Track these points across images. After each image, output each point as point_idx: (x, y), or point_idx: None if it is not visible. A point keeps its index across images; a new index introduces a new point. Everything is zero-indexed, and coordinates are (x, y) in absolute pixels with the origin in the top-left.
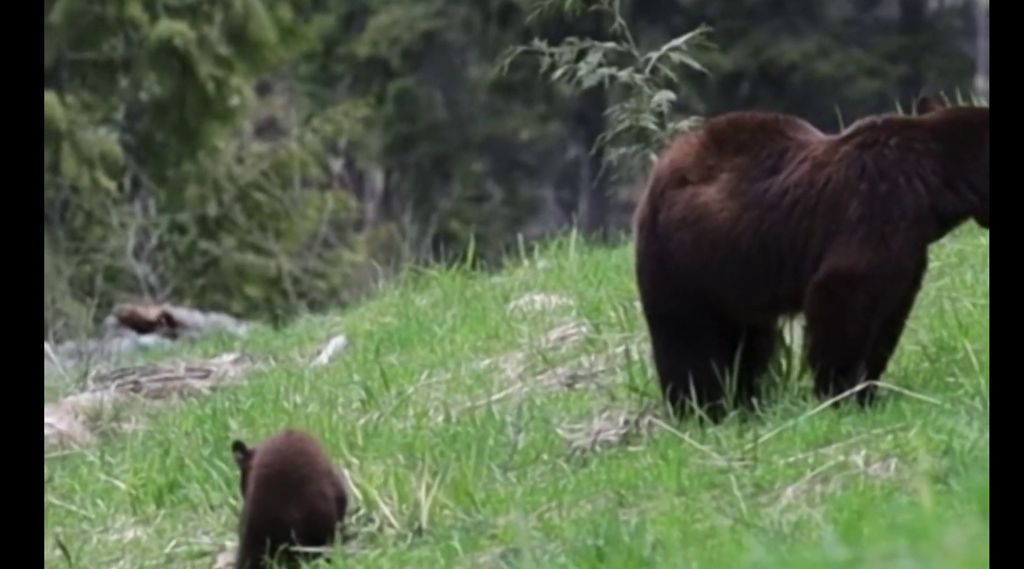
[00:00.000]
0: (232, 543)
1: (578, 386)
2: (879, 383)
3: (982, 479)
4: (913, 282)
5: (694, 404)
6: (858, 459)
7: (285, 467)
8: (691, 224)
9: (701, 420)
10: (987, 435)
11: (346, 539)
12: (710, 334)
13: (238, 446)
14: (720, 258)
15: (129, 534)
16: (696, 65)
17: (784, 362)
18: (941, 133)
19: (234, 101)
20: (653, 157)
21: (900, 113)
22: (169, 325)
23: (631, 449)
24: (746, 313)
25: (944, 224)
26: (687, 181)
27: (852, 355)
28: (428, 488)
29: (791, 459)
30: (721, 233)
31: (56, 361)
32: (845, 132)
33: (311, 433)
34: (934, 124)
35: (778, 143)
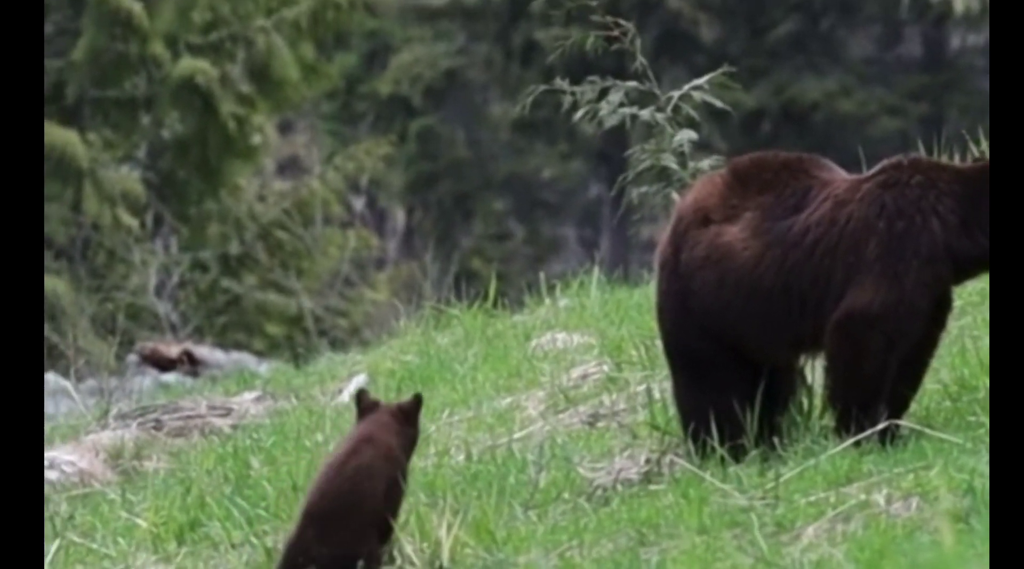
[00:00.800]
0: None
1: (599, 425)
2: (900, 422)
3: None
4: (933, 321)
5: (715, 443)
6: (880, 498)
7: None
8: (714, 263)
9: (722, 459)
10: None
11: None
12: (732, 373)
13: (362, 395)
14: (743, 296)
15: None
16: (718, 104)
17: (805, 401)
18: (965, 176)
19: (256, 139)
20: (675, 196)
21: (922, 152)
22: (191, 363)
23: (652, 488)
24: (768, 352)
25: (960, 267)
26: (710, 220)
27: (871, 394)
28: (449, 527)
29: (812, 498)
30: (744, 271)
31: (78, 399)
32: (869, 171)
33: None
34: (961, 168)
35: (802, 182)
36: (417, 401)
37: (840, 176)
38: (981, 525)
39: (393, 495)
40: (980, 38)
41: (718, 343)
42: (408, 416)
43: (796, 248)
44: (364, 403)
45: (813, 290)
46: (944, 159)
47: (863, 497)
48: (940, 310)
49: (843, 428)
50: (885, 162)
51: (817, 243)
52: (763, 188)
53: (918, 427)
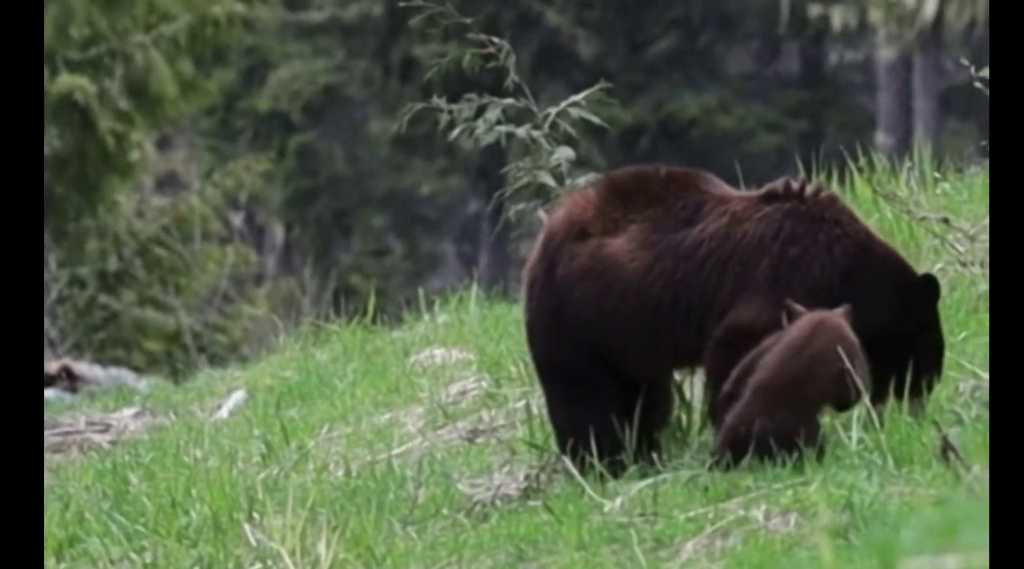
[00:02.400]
0: None
1: (478, 440)
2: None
3: (882, 533)
4: None
5: (594, 459)
6: (758, 514)
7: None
8: (597, 275)
9: (601, 475)
10: (887, 490)
11: None
12: (609, 388)
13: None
14: (628, 308)
15: None
16: (596, 120)
17: (684, 416)
18: (868, 241)
19: (134, 155)
20: (542, 214)
21: (800, 168)
22: (69, 379)
23: (531, 503)
24: (649, 365)
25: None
26: (588, 234)
27: None
28: (328, 542)
29: (691, 513)
30: (631, 283)
31: None
32: (765, 189)
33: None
34: (866, 230)
35: (693, 196)
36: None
37: (731, 192)
38: (859, 540)
39: (842, 383)
40: (858, 54)
41: (594, 358)
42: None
43: (687, 260)
44: (793, 313)
45: (699, 303)
46: (846, 200)
47: (742, 513)
48: None
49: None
50: (783, 182)
51: (708, 256)
52: (650, 201)
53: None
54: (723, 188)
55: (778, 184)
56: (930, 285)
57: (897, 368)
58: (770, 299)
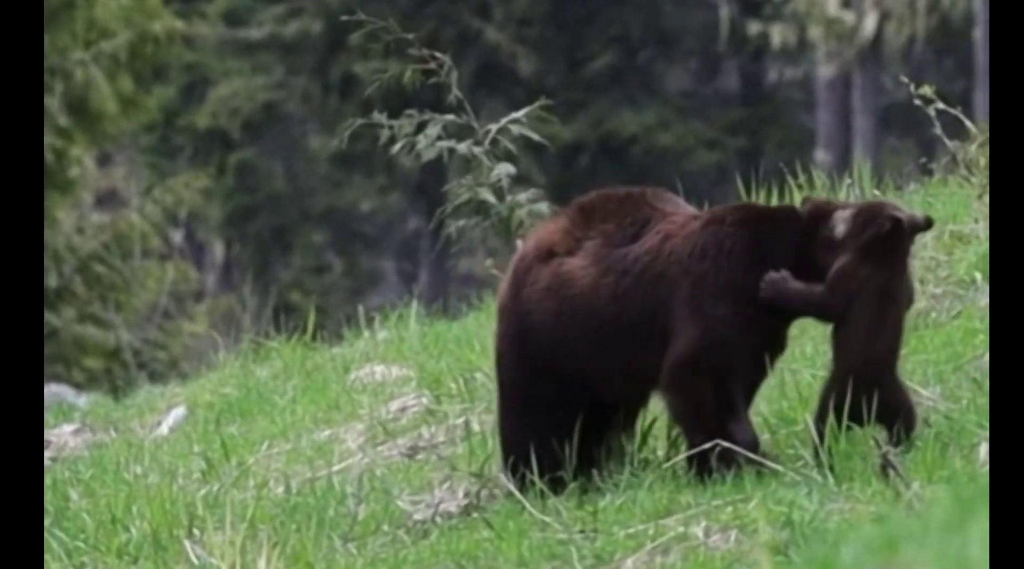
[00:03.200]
0: None
1: (419, 457)
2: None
3: (822, 550)
4: (758, 356)
5: (535, 477)
6: (698, 530)
7: None
8: (555, 292)
9: (542, 492)
10: (827, 507)
11: None
12: (560, 409)
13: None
14: (580, 324)
15: None
16: (535, 137)
17: (624, 433)
18: (782, 215)
19: (74, 172)
20: (519, 241)
21: (740, 186)
22: None
23: (471, 520)
24: (606, 383)
25: (758, 307)
26: (554, 254)
27: (719, 431)
28: (269, 559)
29: (631, 530)
30: (582, 299)
31: None
32: (709, 210)
33: None
34: (784, 209)
35: (643, 212)
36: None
37: (681, 210)
38: (799, 557)
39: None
40: (797, 71)
41: (558, 383)
42: None
43: (627, 276)
44: None
45: (640, 320)
46: (765, 197)
47: (682, 529)
48: (759, 347)
49: (701, 470)
50: (732, 205)
51: (643, 273)
52: (606, 218)
53: (755, 458)
54: (678, 206)
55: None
56: (812, 209)
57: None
58: (691, 322)
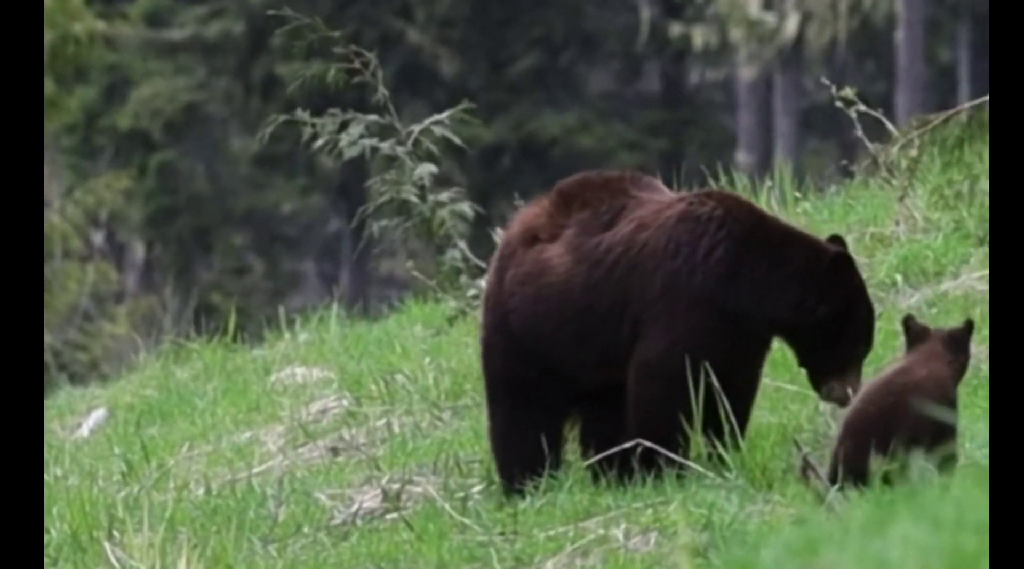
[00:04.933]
0: None
1: (339, 459)
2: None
3: (742, 553)
4: (731, 363)
5: (526, 480)
6: (618, 533)
7: None
8: (534, 278)
9: (464, 494)
10: (747, 509)
11: None
12: (555, 404)
13: (910, 321)
14: (556, 311)
15: None
16: (457, 139)
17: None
18: (757, 231)
19: None
20: (498, 231)
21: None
22: None
23: (391, 522)
24: (581, 371)
25: (725, 314)
26: (538, 239)
27: (664, 437)
28: (188, 561)
29: (551, 532)
30: (557, 287)
31: None
32: (687, 193)
33: None
34: (762, 219)
35: (619, 200)
36: (968, 327)
37: (658, 196)
38: (719, 560)
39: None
40: (719, 74)
41: (539, 370)
42: (959, 343)
43: (599, 266)
44: (913, 330)
45: (612, 310)
46: (755, 202)
47: (602, 532)
48: (742, 350)
49: (644, 467)
50: (705, 190)
51: (616, 264)
52: (583, 206)
53: (691, 465)
54: (654, 191)
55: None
56: (838, 264)
57: (825, 350)
58: (662, 318)
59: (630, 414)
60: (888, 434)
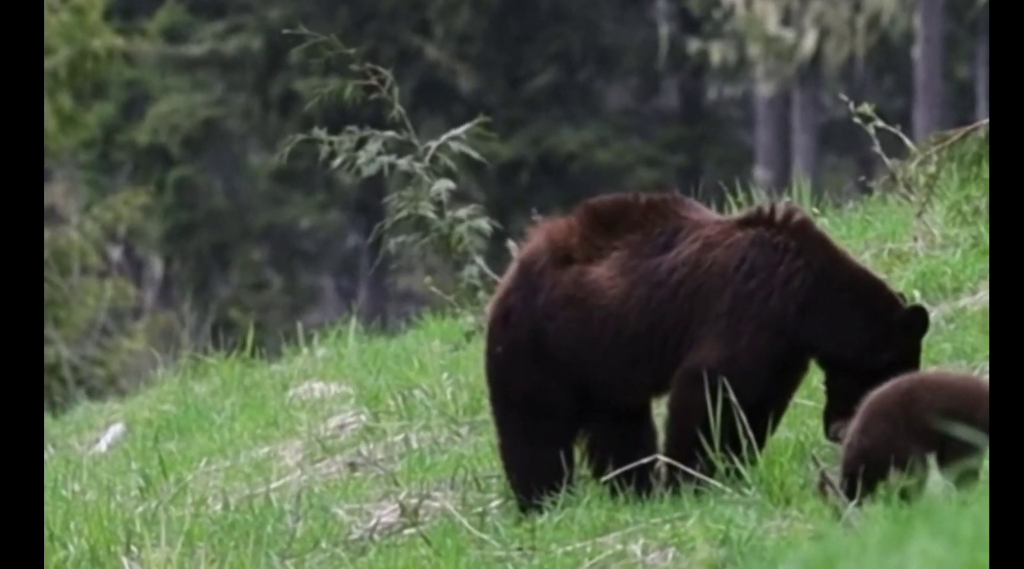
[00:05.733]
0: None
1: (357, 474)
2: (710, 480)
3: (759, 568)
4: (779, 384)
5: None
6: (636, 548)
7: None
8: (579, 301)
9: (481, 510)
10: (764, 525)
11: None
12: (574, 423)
13: None
14: (608, 336)
15: None
16: (475, 154)
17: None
18: (837, 265)
19: None
20: (512, 245)
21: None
22: None
23: (409, 537)
24: (627, 394)
25: (791, 341)
26: (572, 260)
27: (695, 450)
28: None
29: (569, 548)
30: (611, 310)
31: None
32: (742, 214)
33: None
34: (841, 254)
35: (671, 221)
36: None
37: (709, 216)
38: None
39: None
40: (736, 89)
41: (572, 389)
42: None
43: (661, 287)
44: None
45: (674, 332)
46: (831, 235)
47: (620, 547)
48: (788, 373)
49: (674, 476)
50: (760, 206)
51: (681, 284)
52: (631, 228)
53: (699, 475)
54: (703, 213)
55: (754, 208)
56: (916, 318)
57: (859, 387)
58: (725, 333)
59: (670, 419)
60: (909, 414)
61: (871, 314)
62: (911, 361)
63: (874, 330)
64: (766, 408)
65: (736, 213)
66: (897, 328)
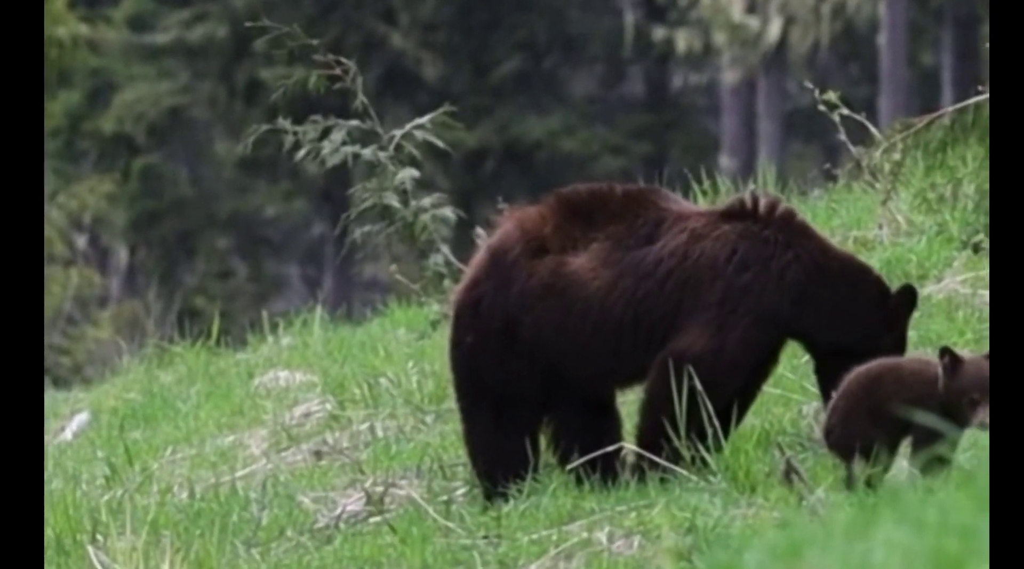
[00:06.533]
0: None
1: (322, 462)
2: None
3: (725, 556)
4: (755, 373)
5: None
6: (602, 536)
7: None
8: (560, 291)
9: (448, 499)
10: (730, 512)
11: None
12: (540, 412)
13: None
14: (590, 326)
15: None
16: (440, 143)
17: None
18: (824, 255)
19: None
20: (480, 232)
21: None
22: None
23: (375, 525)
24: (605, 384)
25: (783, 333)
26: (547, 250)
27: (665, 435)
28: (172, 564)
29: (535, 536)
30: (594, 300)
31: None
32: (725, 205)
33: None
34: (825, 243)
35: (652, 212)
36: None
37: (690, 208)
38: (703, 563)
39: None
40: (702, 77)
41: (542, 378)
42: None
43: (648, 278)
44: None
45: (661, 322)
46: (812, 224)
47: (585, 535)
48: (766, 365)
49: (640, 463)
50: (746, 198)
51: (669, 275)
52: (611, 219)
53: (667, 465)
54: (681, 204)
55: (736, 200)
56: (910, 298)
57: (850, 363)
58: (715, 323)
59: (649, 404)
60: (876, 394)
61: (870, 300)
62: (904, 341)
63: (875, 315)
64: (737, 398)
65: (716, 204)
66: (894, 310)
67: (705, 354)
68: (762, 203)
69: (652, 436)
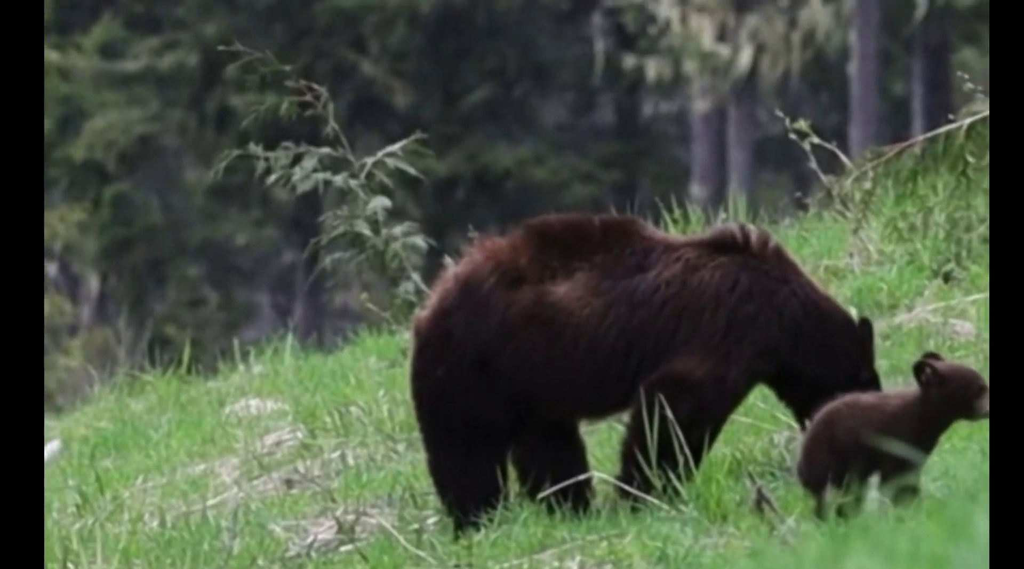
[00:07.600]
0: None
1: (294, 491)
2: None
3: None
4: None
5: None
6: (573, 565)
7: None
8: (545, 321)
9: (420, 528)
10: (701, 542)
11: None
12: (509, 444)
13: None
14: (579, 355)
15: None
16: (411, 171)
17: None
18: (816, 293)
19: None
20: (449, 261)
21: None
22: None
23: (346, 554)
24: (586, 412)
25: (777, 367)
26: (524, 280)
27: (662, 459)
28: None
29: (506, 565)
30: (584, 329)
31: None
32: (711, 236)
33: None
34: (811, 281)
35: (637, 242)
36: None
37: (674, 238)
38: None
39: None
40: (673, 105)
41: (513, 408)
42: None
43: (644, 307)
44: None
45: (655, 350)
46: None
47: (556, 564)
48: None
49: (625, 488)
50: (735, 230)
51: (665, 303)
52: (594, 249)
53: (642, 496)
54: (664, 234)
55: (725, 231)
56: (869, 330)
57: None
58: (716, 351)
59: (637, 424)
60: (831, 433)
61: (850, 338)
62: (876, 374)
63: (855, 352)
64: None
65: (699, 234)
66: (864, 346)
67: (708, 380)
68: (753, 236)
69: (636, 459)
